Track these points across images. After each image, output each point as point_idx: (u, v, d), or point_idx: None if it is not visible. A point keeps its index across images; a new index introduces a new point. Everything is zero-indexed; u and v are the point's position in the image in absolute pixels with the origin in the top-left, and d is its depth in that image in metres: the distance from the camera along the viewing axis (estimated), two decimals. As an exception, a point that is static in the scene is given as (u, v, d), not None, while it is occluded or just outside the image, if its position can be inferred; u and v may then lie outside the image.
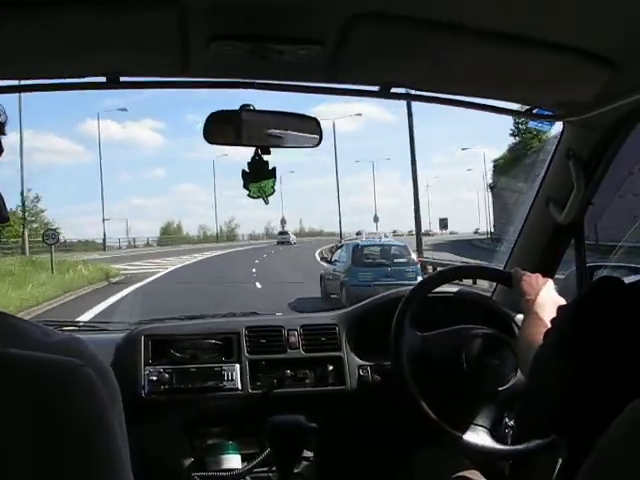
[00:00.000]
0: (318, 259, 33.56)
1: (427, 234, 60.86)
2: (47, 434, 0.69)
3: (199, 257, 38.23)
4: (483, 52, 1.55)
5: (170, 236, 71.38)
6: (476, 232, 63.49)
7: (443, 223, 60.88)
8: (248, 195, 1.82)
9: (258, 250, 43.93)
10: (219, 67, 1.70)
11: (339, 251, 18.50)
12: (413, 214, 29.53)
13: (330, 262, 18.07)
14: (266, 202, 1.85)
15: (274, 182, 1.84)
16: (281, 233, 59.87)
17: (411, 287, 2.17)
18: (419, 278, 13.50)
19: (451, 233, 69.68)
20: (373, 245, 18.10)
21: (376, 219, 45.36)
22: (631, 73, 1.60)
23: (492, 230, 45.56)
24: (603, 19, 1.37)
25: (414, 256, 17.52)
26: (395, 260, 16.63)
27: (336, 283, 16.45)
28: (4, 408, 0.68)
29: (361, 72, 1.76)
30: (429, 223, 71.41)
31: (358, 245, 17.62)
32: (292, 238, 58.28)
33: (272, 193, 1.84)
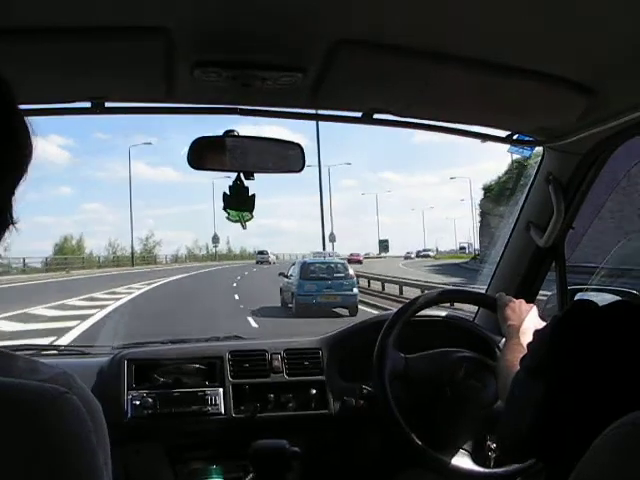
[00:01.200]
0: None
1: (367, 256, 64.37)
2: (28, 458, 0.68)
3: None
4: (465, 79, 1.57)
5: (66, 256, 51.07)
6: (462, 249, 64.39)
7: (383, 245, 61.43)
8: (227, 218, 1.83)
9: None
10: (203, 93, 1.71)
11: (292, 267, 20.73)
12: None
13: (286, 277, 20.28)
14: (244, 227, 1.86)
15: (253, 208, 1.85)
16: (260, 252, 58.57)
17: (393, 311, 2.18)
18: (355, 290, 18.61)
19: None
20: (318, 262, 21.15)
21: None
22: (609, 100, 1.63)
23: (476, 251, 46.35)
24: (583, 49, 1.40)
25: (351, 271, 19.97)
26: (335, 275, 18.97)
27: (289, 294, 18.95)
28: None
29: (344, 98, 1.78)
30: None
31: (306, 262, 20.67)
32: (272, 258, 57.11)
33: (250, 219, 1.85)
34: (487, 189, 43.42)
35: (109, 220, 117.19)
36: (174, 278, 33.41)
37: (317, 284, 18.35)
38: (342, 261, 22.19)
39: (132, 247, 58.33)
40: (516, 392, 1.27)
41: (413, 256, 63.39)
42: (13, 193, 0.82)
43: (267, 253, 57.90)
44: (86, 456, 0.73)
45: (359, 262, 50.05)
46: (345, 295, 18.15)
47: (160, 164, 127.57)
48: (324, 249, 40.07)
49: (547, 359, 1.17)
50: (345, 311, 17.77)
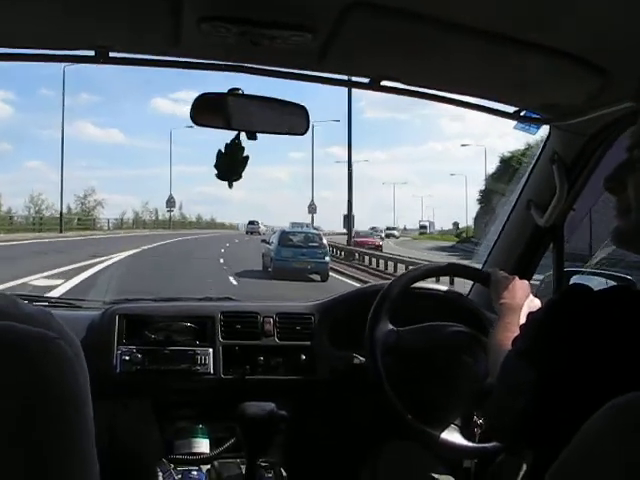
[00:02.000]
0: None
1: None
2: (19, 404, 0.68)
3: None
4: (476, 51, 1.55)
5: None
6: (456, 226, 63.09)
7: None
8: (216, 175, 1.82)
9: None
10: (209, 49, 1.68)
11: (273, 235, 23.55)
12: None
13: (268, 243, 22.31)
14: (230, 186, 1.84)
15: (243, 169, 1.83)
16: (251, 222, 57.22)
17: (388, 282, 2.17)
18: (326, 258, 21.02)
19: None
20: (295, 232, 23.88)
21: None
22: (622, 81, 1.61)
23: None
24: (599, 27, 1.38)
25: (325, 241, 22.66)
26: (309, 243, 21.40)
27: (269, 259, 21.00)
28: None
29: (352, 63, 1.76)
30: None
31: (284, 231, 23.32)
32: (262, 228, 55.37)
33: (238, 179, 1.83)
34: (505, 160, 42.67)
35: (51, 179, 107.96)
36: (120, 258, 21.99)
37: (293, 251, 20.63)
38: (317, 232, 25.49)
39: (61, 204, 43.21)
40: (506, 374, 1.27)
41: (383, 235, 56.26)
42: None
43: (257, 223, 56.72)
44: (76, 405, 0.74)
45: (377, 247, 36.23)
46: (318, 262, 20.47)
47: (108, 125, 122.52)
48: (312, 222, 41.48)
49: (539, 343, 1.16)
50: (317, 277, 20.15)
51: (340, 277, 20.84)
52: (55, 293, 11.45)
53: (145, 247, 28.16)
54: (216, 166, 1.80)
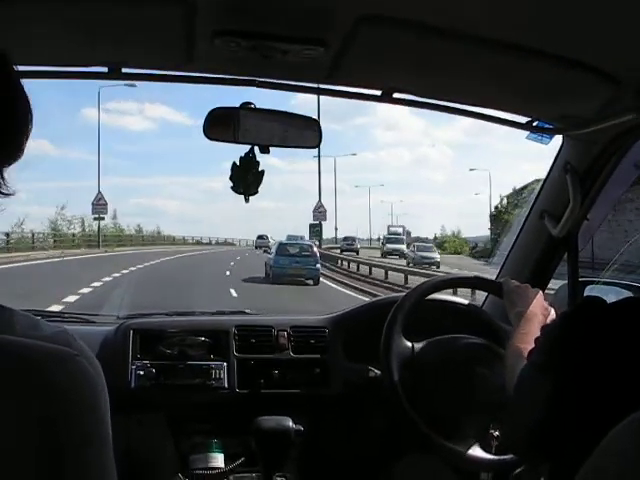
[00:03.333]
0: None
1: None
2: (41, 422, 0.68)
3: None
4: (488, 61, 1.55)
5: None
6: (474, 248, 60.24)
7: (315, 230, 56.52)
8: (232, 188, 1.82)
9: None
10: (221, 63, 1.69)
11: (273, 246, 26.98)
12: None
13: (269, 253, 26.15)
14: (246, 200, 1.84)
15: (259, 183, 1.83)
16: (260, 237, 53.26)
17: (402, 294, 2.17)
18: (317, 265, 23.69)
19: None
20: (290, 243, 27.00)
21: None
22: (633, 91, 1.60)
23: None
24: (611, 37, 1.38)
25: (316, 250, 25.30)
26: (303, 253, 24.11)
27: (269, 266, 23.58)
28: None
29: (364, 75, 1.76)
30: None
31: (282, 243, 26.34)
32: (272, 242, 50.90)
33: (255, 193, 1.84)
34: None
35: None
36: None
37: (289, 259, 23.33)
38: (309, 243, 28.92)
39: None
40: (523, 386, 1.27)
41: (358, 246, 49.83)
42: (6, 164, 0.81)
43: (267, 237, 52.17)
44: (95, 423, 0.74)
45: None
46: (310, 269, 23.18)
47: (35, 136, 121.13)
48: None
49: (555, 355, 1.17)
50: (311, 281, 22.83)
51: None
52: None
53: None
54: (232, 178, 1.81)
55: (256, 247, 50.43)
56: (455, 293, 2.64)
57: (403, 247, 45.61)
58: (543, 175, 2.29)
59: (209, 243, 61.10)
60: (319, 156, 45.52)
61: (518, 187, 43.76)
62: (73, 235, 43.22)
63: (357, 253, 42.62)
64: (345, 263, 31.89)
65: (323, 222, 42.16)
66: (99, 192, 39.36)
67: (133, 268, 23.51)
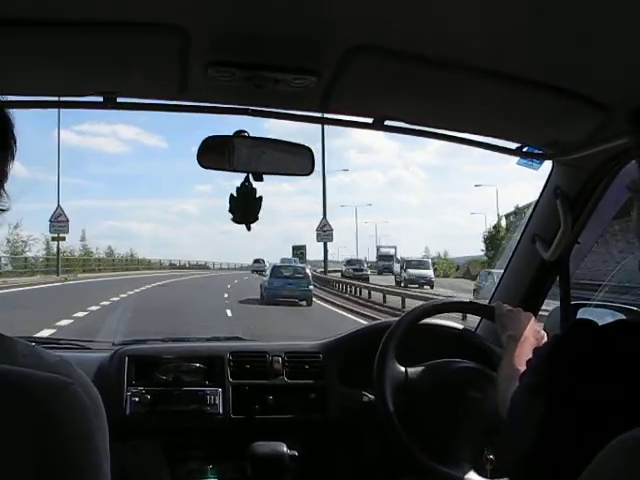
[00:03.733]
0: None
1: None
2: (33, 448, 0.69)
3: None
4: (478, 89, 1.57)
5: None
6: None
7: (299, 252, 53.49)
8: (232, 219, 1.83)
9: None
10: (215, 92, 1.71)
11: (268, 269, 28.12)
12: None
13: (264, 276, 27.45)
14: (248, 229, 1.85)
15: (259, 210, 1.84)
16: (256, 261, 54.14)
17: (395, 319, 2.18)
18: (310, 287, 24.91)
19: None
20: (284, 266, 28.56)
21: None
22: (622, 117, 1.62)
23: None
24: (601, 66, 1.40)
25: (308, 271, 27.02)
26: (295, 275, 25.42)
27: (264, 288, 24.82)
28: None
29: (356, 104, 1.78)
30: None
31: (275, 265, 28.14)
32: (266, 266, 50.05)
33: (255, 220, 1.85)
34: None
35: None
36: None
37: (282, 281, 24.60)
38: (302, 265, 30.64)
39: None
40: (516, 409, 1.27)
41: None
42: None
43: (263, 262, 52.31)
44: (89, 452, 0.74)
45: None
46: (303, 290, 24.38)
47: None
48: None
49: (546, 378, 1.17)
50: (304, 302, 24.01)
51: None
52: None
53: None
54: (231, 210, 1.81)
55: (252, 271, 50.25)
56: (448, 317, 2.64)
57: (396, 266, 47.90)
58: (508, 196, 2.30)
59: (183, 267, 58.82)
60: (323, 173, 45.48)
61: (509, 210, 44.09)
62: (25, 260, 37.87)
63: (367, 280, 38.20)
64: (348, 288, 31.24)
65: (329, 242, 40.18)
66: (58, 206, 34.63)
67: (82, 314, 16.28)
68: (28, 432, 0.69)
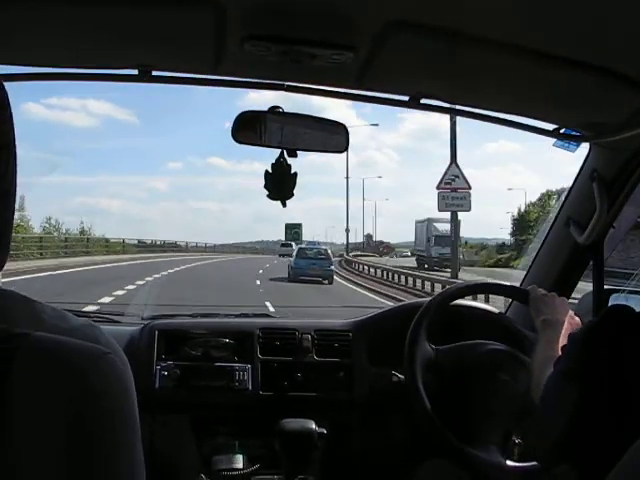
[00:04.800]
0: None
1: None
2: (68, 420, 0.69)
3: None
4: (517, 69, 1.55)
5: None
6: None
7: (294, 232, 55.44)
8: (267, 196, 1.82)
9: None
10: (251, 67, 1.70)
11: (294, 251, 30.64)
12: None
13: (291, 256, 30.04)
14: (284, 205, 1.85)
15: (294, 186, 1.84)
16: (284, 245, 51.76)
17: (428, 299, 2.17)
18: (332, 267, 28.53)
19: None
20: (309, 248, 31.12)
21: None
22: None
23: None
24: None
25: (330, 253, 30.34)
26: (319, 256, 28.45)
27: (291, 267, 27.66)
28: (31, 390, 0.68)
29: (392, 81, 1.77)
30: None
31: (301, 247, 31.05)
32: (294, 251, 49.41)
33: (291, 197, 1.84)
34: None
35: None
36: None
37: (306, 261, 27.44)
38: (325, 247, 32.85)
39: None
40: (550, 395, 1.26)
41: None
42: None
43: (291, 245, 48.86)
44: (125, 424, 0.74)
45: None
46: (325, 270, 27.23)
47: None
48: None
49: (581, 364, 1.16)
50: (326, 281, 26.49)
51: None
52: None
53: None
54: (266, 187, 1.81)
55: (280, 255, 48.06)
56: (475, 300, 2.62)
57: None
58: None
59: (153, 245, 47.73)
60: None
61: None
62: None
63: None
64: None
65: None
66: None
67: None
68: (64, 402, 0.69)
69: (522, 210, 50.13)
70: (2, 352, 0.68)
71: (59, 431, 0.68)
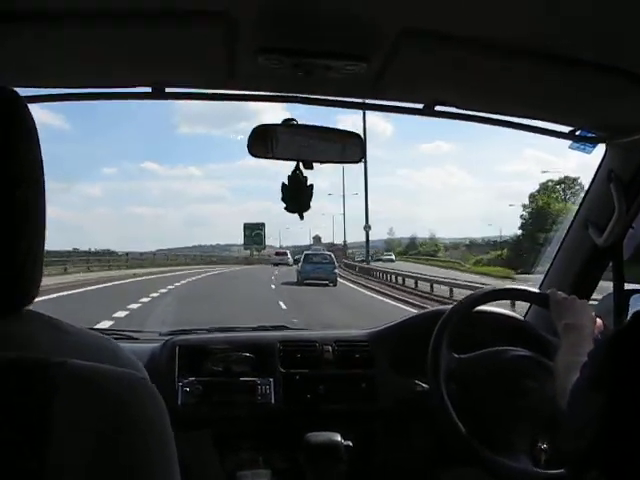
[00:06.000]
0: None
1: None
2: (109, 450, 0.68)
3: None
4: (530, 72, 1.55)
5: None
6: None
7: (256, 234, 54.17)
8: (285, 209, 1.82)
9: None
10: (263, 80, 1.70)
11: (302, 256, 32.96)
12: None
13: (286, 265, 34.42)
14: (301, 218, 1.84)
15: (310, 198, 1.83)
16: (278, 254, 52.32)
17: (449, 306, 2.15)
18: (335, 270, 30.74)
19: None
20: (314, 253, 33.56)
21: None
22: None
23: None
24: None
25: (334, 258, 32.28)
26: (323, 261, 30.93)
27: (299, 272, 30.40)
28: (71, 420, 0.67)
29: (406, 89, 1.76)
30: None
31: (307, 253, 33.34)
32: (290, 259, 49.27)
33: (308, 209, 1.84)
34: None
35: None
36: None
37: (312, 266, 30.05)
38: (329, 253, 34.48)
39: None
40: (576, 401, 1.25)
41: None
42: None
43: (286, 254, 51.45)
44: (163, 447, 0.74)
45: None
46: (329, 273, 29.55)
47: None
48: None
49: (608, 371, 1.15)
50: (331, 284, 28.75)
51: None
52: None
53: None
54: (284, 199, 1.80)
55: (274, 264, 47.67)
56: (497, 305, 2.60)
57: None
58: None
59: (88, 252, 40.75)
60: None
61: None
62: None
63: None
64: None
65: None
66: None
67: None
68: (103, 429, 0.69)
69: (528, 203, 50.15)
70: (42, 382, 0.68)
71: (100, 461, 0.67)
